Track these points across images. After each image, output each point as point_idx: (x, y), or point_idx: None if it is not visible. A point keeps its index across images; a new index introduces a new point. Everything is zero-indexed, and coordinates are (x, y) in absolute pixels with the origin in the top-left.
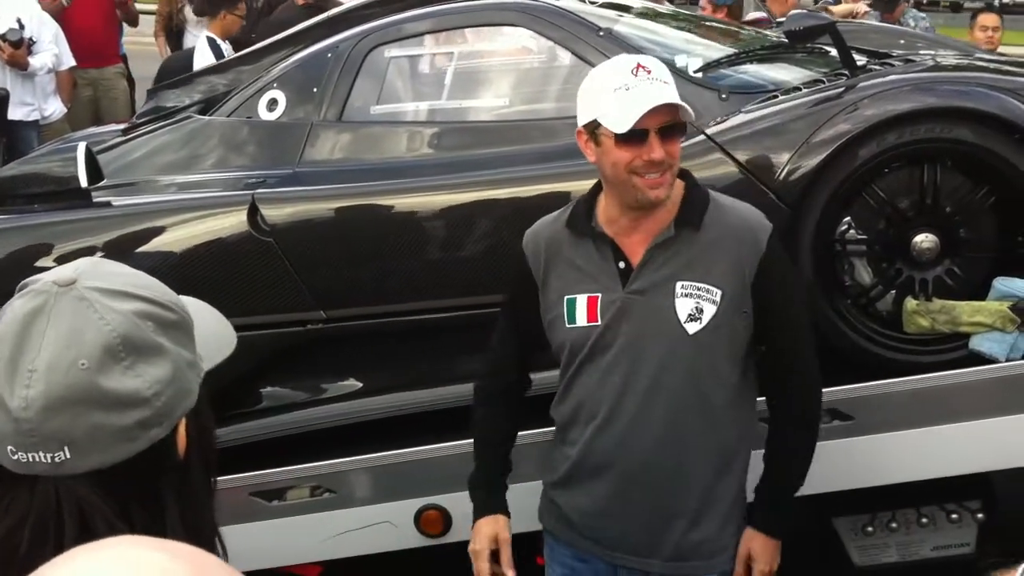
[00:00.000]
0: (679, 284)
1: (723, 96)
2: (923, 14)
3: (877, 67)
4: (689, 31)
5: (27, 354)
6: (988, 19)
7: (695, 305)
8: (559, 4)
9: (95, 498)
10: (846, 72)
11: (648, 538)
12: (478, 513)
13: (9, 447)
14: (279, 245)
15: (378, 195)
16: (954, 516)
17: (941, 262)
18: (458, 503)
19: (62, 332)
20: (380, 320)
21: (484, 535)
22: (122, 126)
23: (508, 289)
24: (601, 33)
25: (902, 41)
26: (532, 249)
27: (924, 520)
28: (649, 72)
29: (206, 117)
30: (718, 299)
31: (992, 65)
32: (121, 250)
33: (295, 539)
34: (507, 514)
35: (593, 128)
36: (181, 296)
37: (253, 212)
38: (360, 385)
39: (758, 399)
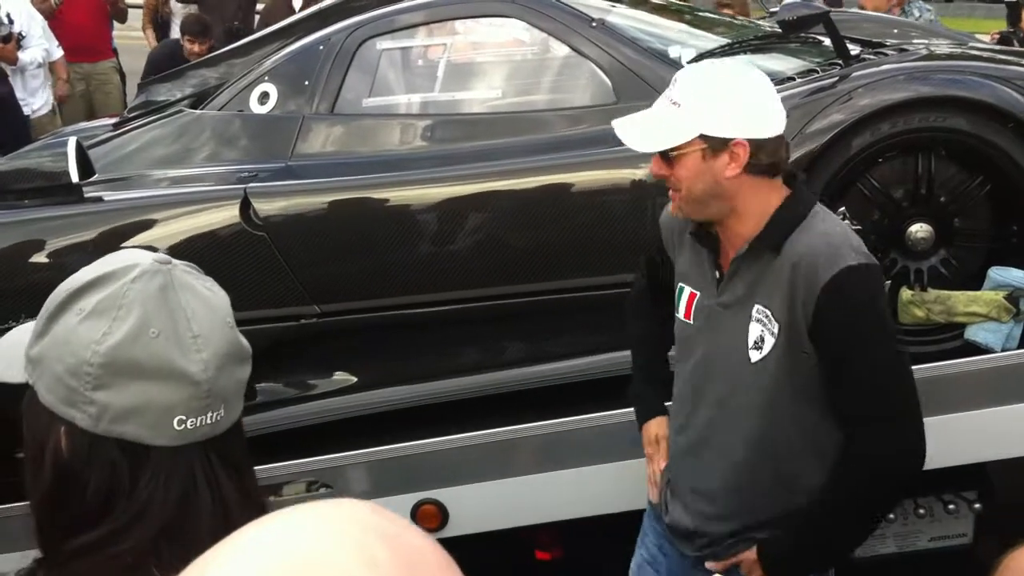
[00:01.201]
0: (755, 307)
1: None
2: (929, 6)
3: (871, 57)
4: (683, 21)
5: (181, 323)
6: None
7: (760, 333)
8: None
9: (237, 453)
10: (840, 62)
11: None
12: (642, 418)
13: (178, 417)
14: (272, 239)
15: (371, 188)
16: (951, 507)
17: (936, 252)
18: (455, 497)
19: (199, 299)
20: (374, 314)
21: (652, 435)
22: (113, 121)
23: (645, 260)
24: (594, 24)
25: (896, 30)
26: (666, 225)
27: (921, 511)
28: (673, 88)
29: (197, 111)
30: (776, 332)
31: (986, 54)
32: (113, 245)
33: None
34: (666, 412)
35: None
36: None
37: (245, 206)
38: (355, 379)
39: None
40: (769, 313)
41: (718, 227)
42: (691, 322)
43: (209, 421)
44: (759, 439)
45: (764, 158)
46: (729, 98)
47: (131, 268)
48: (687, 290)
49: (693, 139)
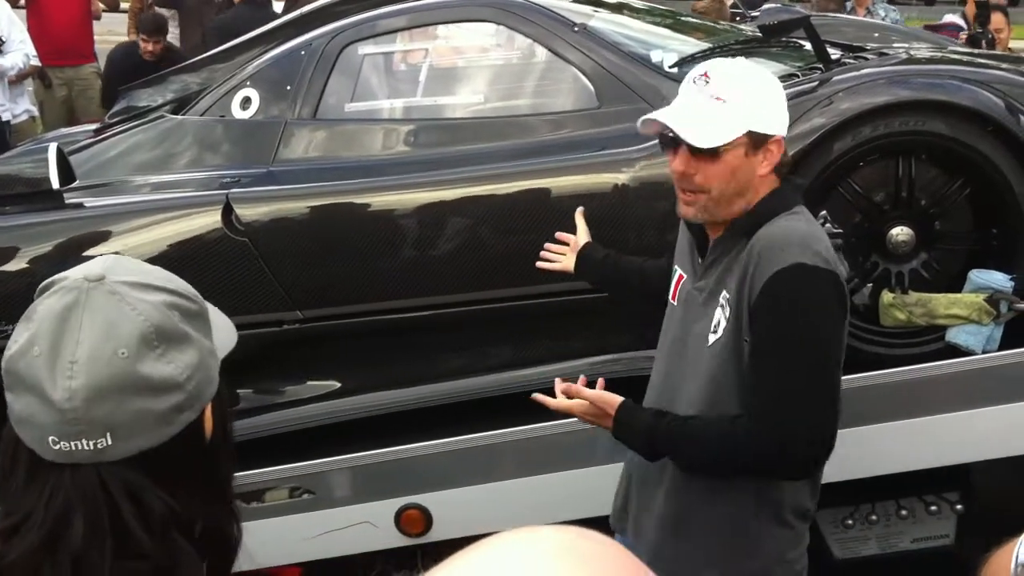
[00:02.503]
0: (723, 293)
1: None
2: (894, 7)
3: (851, 61)
4: (664, 26)
5: (66, 348)
6: (996, 20)
7: (719, 317)
8: (534, 0)
9: (145, 480)
10: (820, 66)
11: (651, 535)
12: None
13: (51, 437)
14: (254, 244)
15: (353, 193)
16: (933, 508)
17: (917, 255)
18: (439, 502)
19: (99, 324)
20: (357, 319)
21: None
22: (94, 126)
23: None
24: (576, 29)
25: (876, 35)
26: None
27: (903, 512)
28: (708, 82)
29: (179, 116)
30: (728, 315)
31: (965, 58)
32: (94, 252)
33: (274, 541)
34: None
35: None
36: None
37: (227, 212)
38: (338, 384)
39: None
40: (728, 296)
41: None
42: (675, 303)
43: (87, 447)
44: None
45: (783, 156)
46: (771, 95)
47: (57, 282)
48: (677, 272)
49: (741, 136)
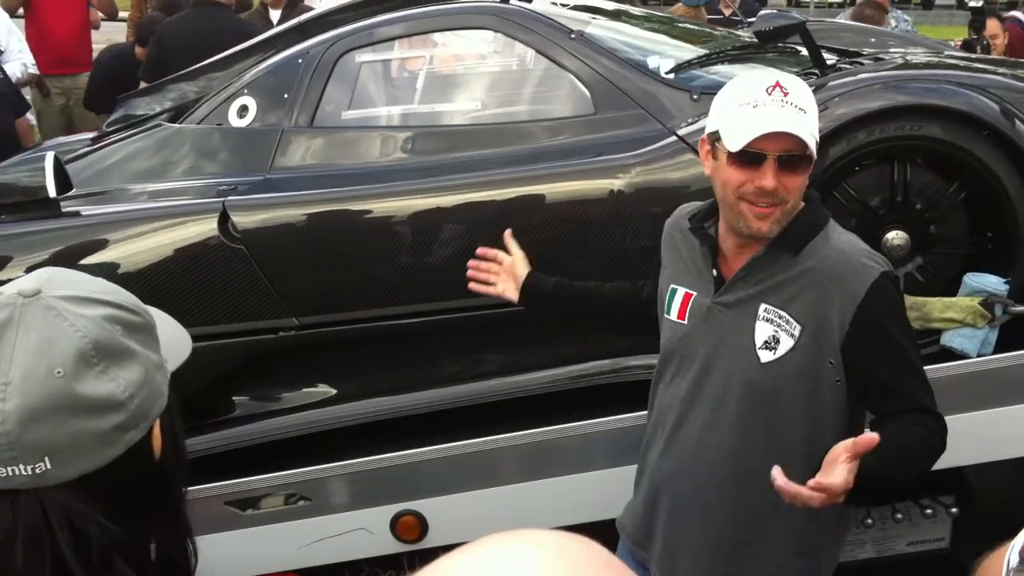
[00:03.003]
0: (762, 307)
1: (695, 97)
2: (906, 16)
3: (847, 66)
4: (661, 32)
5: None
6: (992, 26)
7: (773, 333)
8: (531, 7)
9: (83, 505)
10: (816, 71)
11: (690, 563)
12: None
13: None
14: (250, 252)
15: (350, 200)
16: (928, 511)
17: (912, 259)
18: (434, 508)
19: (33, 342)
20: (353, 326)
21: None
22: (91, 135)
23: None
24: (573, 36)
25: (873, 40)
26: (666, 231)
27: (899, 516)
28: (786, 94)
29: (176, 125)
30: (797, 334)
31: (962, 63)
32: (91, 260)
33: (270, 548)
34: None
35: (714, 140)
36: None
37: (224, 219)
38: (334, 391)
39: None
40: (785, 315)
41: (748, 243)
42: (685, 323)
43: (24, 473)
44: (766, 440)
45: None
46: (817, 108)
47: None
48: (681, 291)
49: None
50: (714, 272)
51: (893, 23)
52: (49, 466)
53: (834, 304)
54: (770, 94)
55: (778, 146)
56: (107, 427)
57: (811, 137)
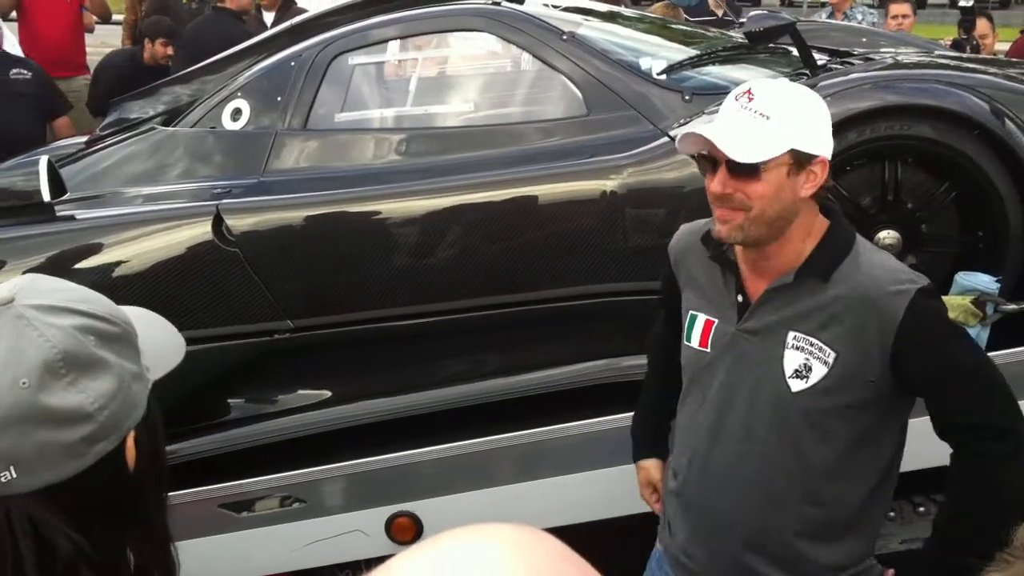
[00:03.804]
0: (791, 334)
1: (686, 97)
2: (873, 10)
3: (838, 66)
4: (653, 33)
5: None
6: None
7: (804, 361)
8: (523, 9)
9: (48, 514)
10: (807, 71)
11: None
12: (635, 460)
13: None
14: (245, 255)
15: (344, 203)
16: (921, 509)
17: (904, 258)
18: (429, 509)
19: (1, 352)
20: (348, 328)
21: (640, 482)
22: (85, 138)
23: (660, 286)
24: (565, 37)
25: (864, 39)
26: (675, 255)
27: (892, 514)
28: (751, 100)
29: (170, 128)
30: (831, 361)
31: (952, 63)
32: (86, 264)
33: (265, 550)
34: (658, 456)
35: None
36: (126, 306)
37: (218, 222)
38: (329, 394)
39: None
40: (818, 342)
41: (751, 251)
42: (708, 351)
43: None
44: (798, 471)
45: (827, 180)
46: (816, 115)
47: None
48: (701, 317)
49: (784, 153)
50: (739, 298)
51: (859, 17)
52: (15, 475)
53: (871, 328)
54: (737, 100)
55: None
56: (74, 439)
57: (746, 144)
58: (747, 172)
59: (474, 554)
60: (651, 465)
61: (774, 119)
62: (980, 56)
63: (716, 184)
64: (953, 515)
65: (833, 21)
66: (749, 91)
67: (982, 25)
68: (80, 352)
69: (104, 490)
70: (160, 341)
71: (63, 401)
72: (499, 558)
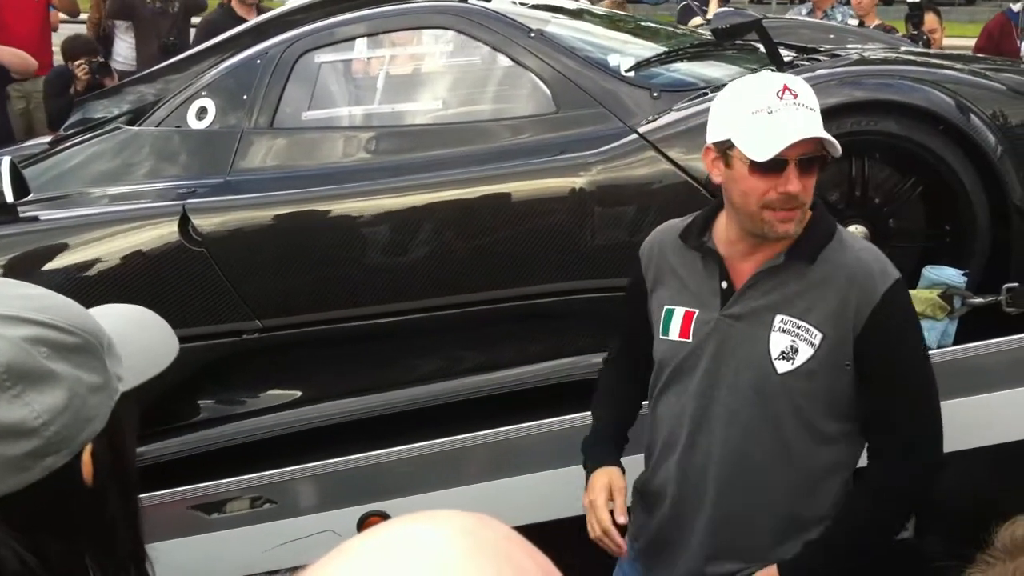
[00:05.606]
0: (778, 317)
1: (655, 94)
2: (851, 10)
3: (804, 62)
4: (621, 31)
5: None
6: (930, 21)
7: (791, 343)
8: (491, 6)
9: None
10: (773, 68)
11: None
12: (590, 468)
13: None
14: (212, 255)
15: (311, 201)
16: None
17: None
18: (402, 509)
19: None
20: (317, 328)
21: (598, 485)
22: (48, 139)
23: (626, 290)
24: (532, 35)
25: (831, 36)
26: (647, 255)
27: None
28: (796, 96)
29: (135, 127)
30: (817, 342)
31: (918, 58)
32: (50, 265)
33: (237, 551)
34: (620, 467)
35: (725, 148)
36: (120, 305)
37: (184, 222)
38: (299, 393)
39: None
40: (804, 324)
41: (750, 240)
42: (688, 340)
43: None
44: (781, 453)
45: None
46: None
47: None
48: (680, 310)
49: None
50: (723, 285)
51: (839, 18)
52: None
53: (851, 306)
54: (781, 98)
55: (798, 150)
56: (17, 453)
57: (831, 137)
58: (812, 167)
59: (420, 537)
60: (616, 470)
61: (816, 111)
62: (947, 52)
63: (795, 184)
64: (848, 511)
65: (809, 19)
66: (786, 86)
67: (930, 20)
68: (27, 364)
69: (55, 505)
70: (145, 345)
71: (7, 415)
72: (445, 540)
